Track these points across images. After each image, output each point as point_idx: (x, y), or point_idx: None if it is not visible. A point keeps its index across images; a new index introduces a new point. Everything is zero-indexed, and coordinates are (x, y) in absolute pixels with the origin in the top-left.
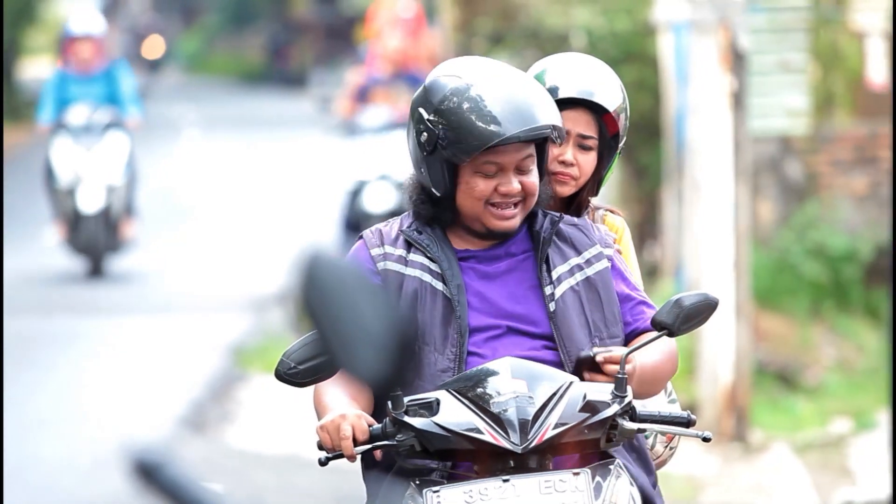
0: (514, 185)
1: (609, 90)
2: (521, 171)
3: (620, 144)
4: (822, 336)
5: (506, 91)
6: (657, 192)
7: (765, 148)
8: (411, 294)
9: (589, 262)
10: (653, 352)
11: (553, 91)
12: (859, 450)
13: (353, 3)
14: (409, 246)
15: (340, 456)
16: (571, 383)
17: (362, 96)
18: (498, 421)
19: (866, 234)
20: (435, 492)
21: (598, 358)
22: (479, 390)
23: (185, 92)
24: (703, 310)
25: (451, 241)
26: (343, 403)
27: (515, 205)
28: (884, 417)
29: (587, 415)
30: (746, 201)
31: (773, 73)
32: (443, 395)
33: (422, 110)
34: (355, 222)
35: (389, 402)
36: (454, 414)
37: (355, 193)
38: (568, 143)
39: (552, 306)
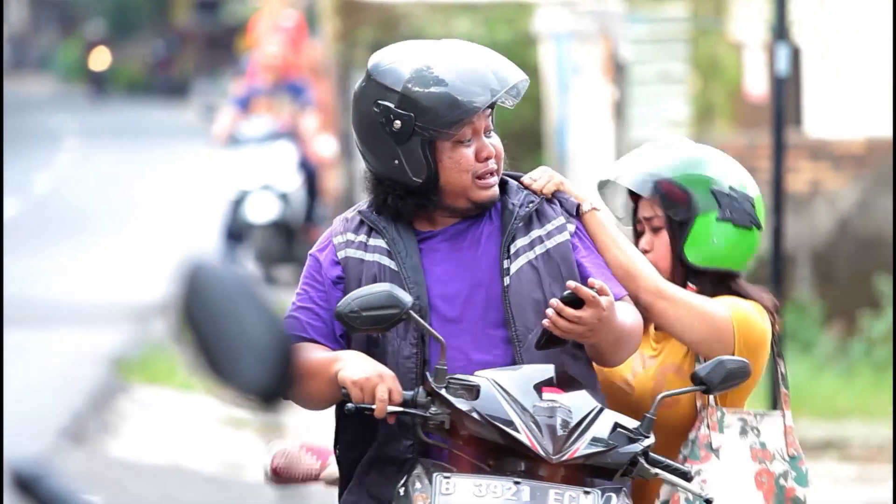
0: (490, 147)
1: (651, 170)
2: (487, 132)
3: (696, 211)
4: None
5: (463, 60)
6: None
7: None
8: (371, 279)
9: (550, 235)
10: (628, 314)
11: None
12: None
13: (235, 12)
14: (370, 230)
15: (369, 410)
16: (602, 409)
17: (244, 106)
18: (536, 424)
19: None
20: (446, 477)
21: (586, 291)
22: (520, 389)
23: (64, 101)
24: (741, 375)
25: (414, 226)
26: (361, 358)
27: (493, 172)
28: None
29: (616, 444)
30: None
31: (653, 83)
32: (483, 383)
33: (384, 102)
34: (237, 232)
35: (430, 375)
36: (494, 405)
37: (237, 203)
38: (645, 231)
39: (506, 281)
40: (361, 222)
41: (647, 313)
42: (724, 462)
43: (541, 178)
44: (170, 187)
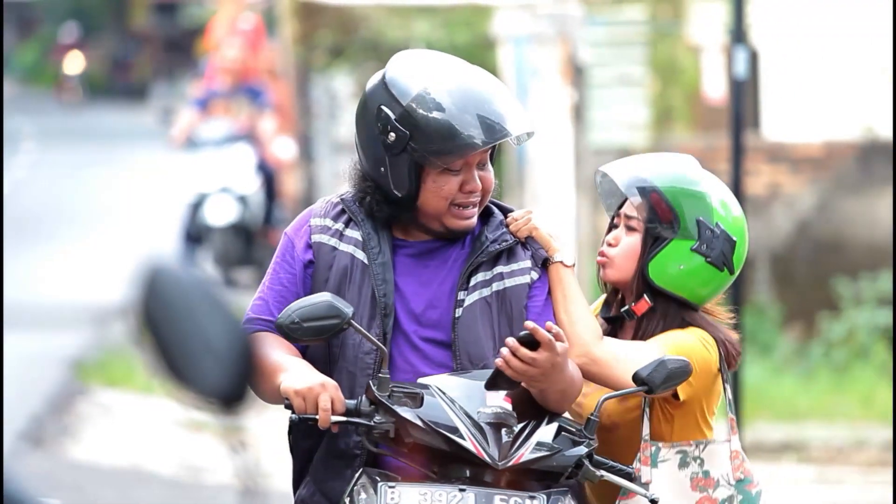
0: (478, 182)
1: (656, 176)
2: (481, 165)
3: (675, 233)
4: None
5: (475, 94)
6: None
7: (605, 161)
8: (341, 270)
9: (511, 274)
10: (574, 365)
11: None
12: None
13: (193, 15)
14: (349, 221)
15: (312, 419)
16: (546, 413)
17: (202, 107)
18: (480, 430)
19: None
20: (391, 487)
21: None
22: (464, 396)
23: (20, 104)
24: (682, 374)
25: (391, 229)
26: (304, 368)
27: (476, 203)
28: None
29: (560, 448)
30: (587, 214)
31: (612, 86)
32: (427, 391)
33: (387, 110)
34: (196, 234)
35: (373, 383)
36: (438, 412)
37: (196, 206)
38: (619, 225)
39: (458, 312)
40: (342, 210)
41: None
42: (660, 494)
43: (521, 219)
44: (128, 190)
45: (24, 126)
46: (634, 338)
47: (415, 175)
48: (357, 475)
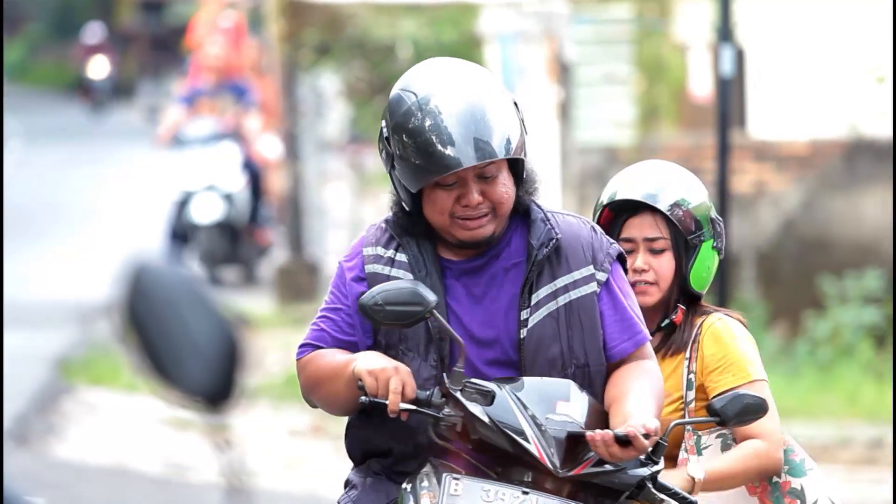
0: (475, 196)
1: (666, 189)
2: (483, 178)
3: (703, 238)
4: None
5: (459, 114)
6: None
7: (591, 159)
8: None
9: (575, 285)
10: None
11: (611, 197)
12: None
13: (179, 13)
14: (398, 246)
15: (382, 405)
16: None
17: (189, 103)
18: (546, 437)
19: None
20: (455, 479)
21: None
22: (535, 401)
23: (6, 102)
24: (756, 410)
25: (438, 249)
26: (378, 354)
27: (485, 214)
28: None
29: (624, 466)
30: (573, 211)
31: (598, 84)
32: (499, 390)
33: (384, 125)
34: (182, 233)
35: (447, 376)
36: (507, 413)
37: (182, 204)
38: (637, 249)
39: (523, 333)
40: (391, 236)
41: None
42: None
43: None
44: (114, 188)
45: (10, 125)
46: (666, 342)
47: (412, 190)
48: (421, 463)
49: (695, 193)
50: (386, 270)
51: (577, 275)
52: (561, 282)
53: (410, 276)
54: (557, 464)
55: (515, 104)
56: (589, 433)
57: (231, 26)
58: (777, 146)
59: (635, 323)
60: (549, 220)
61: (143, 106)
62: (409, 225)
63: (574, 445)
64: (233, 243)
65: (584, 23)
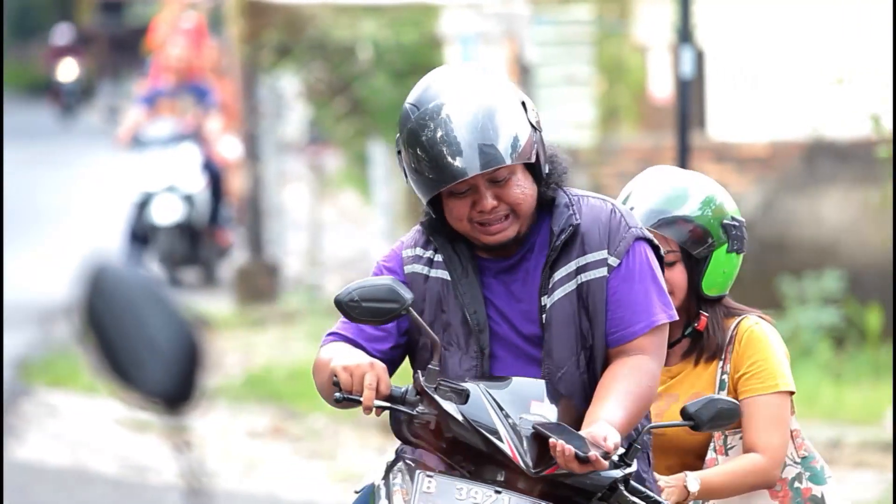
0: (489, 200)
1: (670, 204)
2: (495, 182)
3: (713, 247)
4: None
5: (463, 123)
6: None
7: None
8: (435, 297)
9: (588, 267)
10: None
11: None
12: None
13: (139, 14)
14: (435, 248)
15: (356, 402)
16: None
17: (150, 104)
18: (519, 436)
19: None
20: (429, 476)
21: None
22: (509, 400)
23: None
24: (730, 416)
25: (474, 249)
26: (358, 351)
27: (506, 217)
28: None
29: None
30: None
31: (559, 85)
32: (474, 389)
33: (398, 133)
34: (142, 234)
35: (422, 374)
36: (481, 411)
37: (142, 205)
38: None
39: (543, 318)
40: (429, 239)
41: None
42: None
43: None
44: (73, 189)
45: None
46: (694, 348)
47: (423, 200)
48: (393, 460)
49: (699, 204)
50: (425, 271)
51: (590, 257)
52: (575, 263)
53: (448, 274)
54: (530, 463)
55: (524, 105)
56: (552, 439)
57: (192, 27)
58: (737, 147)
59: (640, 312)
60: (572, 204)
61: (103, 107)
62: (440, 227)
63: (545, 445)
64: (192, 244)
65: (545, 24)
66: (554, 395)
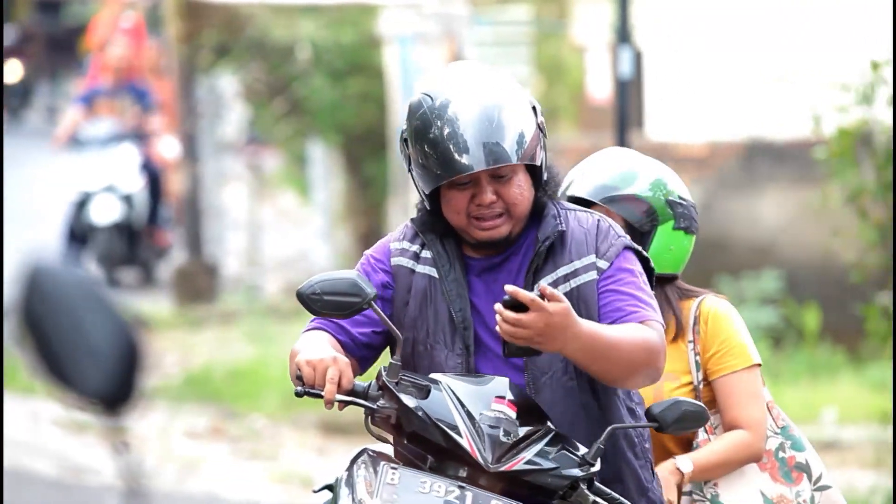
0: (489, 195)
1: (613, 180)
2: (498, 178)
3: (657, 222)
4: None
5: (473, 119)
6: (383, 204)
7: None
8: (420, 292)
9: (576, 273)
10: (622, 329)
11: (563, 194)
12: None
13: (77, 13)
14: (423, 243)
15: (317, 395)
16: (555, 432)
17: (87, 103)
18: (479, 432)
19: None
20: (393, 468)
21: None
22: (472, 397)
23: None
24: (695, 418)
25: (462, 246)
26: (324, 345)
27: (500, 215)
28: None
29: (556, 465)
30: None
31: None
32: (435, 385)
33: (404, 126)
34: (81, 234)
35: (384, 369)
36: (442, 407)
37: (80, 205)
38: None
39: None
40: (416, 233)
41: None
42: None
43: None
44: (11, 189)
45: None
46: None
47: (426, 191)
48: (358, 452)
49: (648, 184)
50: (410, 264)
51: (578, 264)
52: (562, 271)
53: (434, 272)
54: (489, 459)
55: (534, 108)
56: (497, 328)
57: (131, 27)
58: (675, 148)
59: (631, 307)
60: (559, 215)
61: (41, 107)
62: (432, 223)
63: (509, 448)
64: (131, 244)
65: (484, 24)
66: (517, 394)
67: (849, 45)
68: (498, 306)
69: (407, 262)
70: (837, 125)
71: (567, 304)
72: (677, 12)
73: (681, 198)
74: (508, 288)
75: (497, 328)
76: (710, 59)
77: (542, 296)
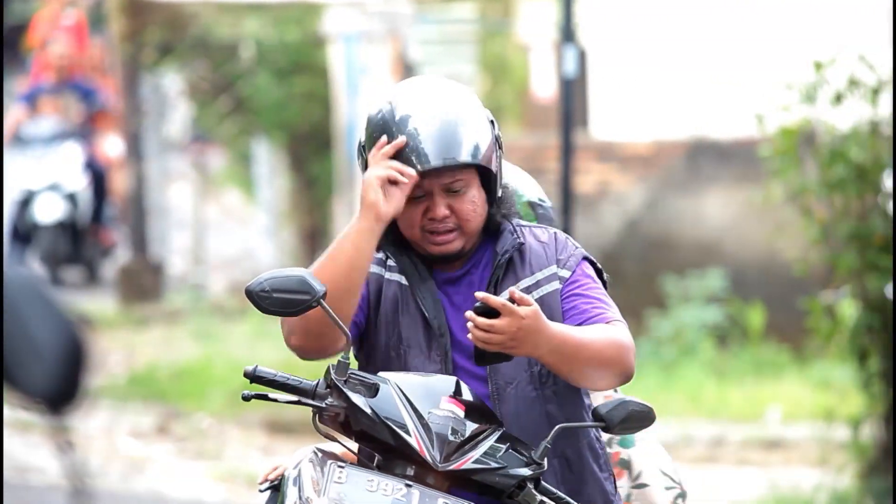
0: (441, 209)
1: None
2: (451, 192)
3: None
4: None
5: (428, 124)
6: (328, 202)
7: None
8: (391, 298)
9: (538, 284)
10: (590, 330)
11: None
12: None
13: (17, 11)
14: (387, 255)
15: (265, 398)
16: (503, 431)
17: (30, 101)
18: (428, 431)
19: None
20: (340, 467)
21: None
22: (420, 396)
23: None
24: (641, 418)
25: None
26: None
27: (451, 230)
28: None
29: (504, 465)
30: None
31: None
32: (384, 384)
33: (364, 134)
34: (25, 232)
35: (332, 367)
36: (390, 405)
37: (24, 203)
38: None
39: None
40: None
41: None
42: None
43: None
44: None
45: None
46: None
47: None
48: (306, 451)
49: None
50: (379, 271)
51: (539, 275)
52: (524, 283)
53: (403, 279)
54: (437, 458)
55: (492, 122)
56: (468, 336)
57: (73, 24)
58: (620, 147)
59: (597, 310)
60: (516, 231)
61: None
62: (393, 236)
63: (458, 446)
64: (75, 243)
65: (429, 23)
66: (466, 393)
67: (792, 45)
68: (470, 313)
69: (376, 269)
70: (781, 124)
71: (537, 306)
72: (622, 11)
73: (540, 199)
74: (479, 294)
75: (469, 336)
76: (655, 58)
77: (512, 300)
